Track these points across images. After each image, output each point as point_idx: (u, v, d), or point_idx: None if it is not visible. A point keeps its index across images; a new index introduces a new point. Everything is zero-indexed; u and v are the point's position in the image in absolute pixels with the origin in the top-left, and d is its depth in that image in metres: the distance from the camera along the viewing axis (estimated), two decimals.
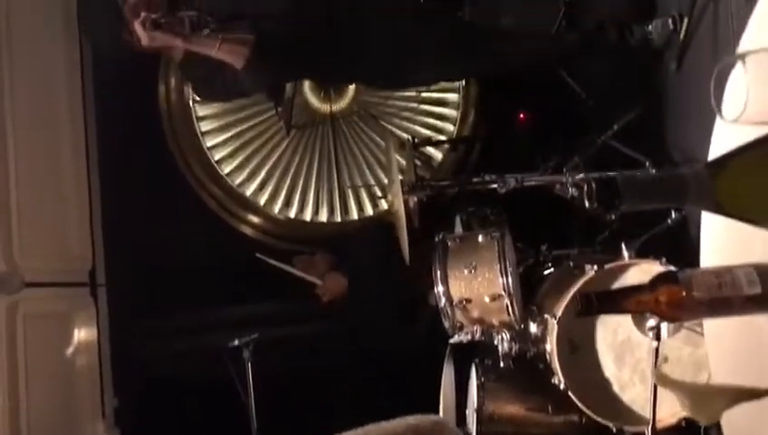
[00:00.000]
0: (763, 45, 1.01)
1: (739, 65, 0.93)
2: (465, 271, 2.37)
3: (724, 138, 1.16)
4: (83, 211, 3.22)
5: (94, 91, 3.34)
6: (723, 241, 1.29)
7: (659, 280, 1.16)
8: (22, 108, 2.90)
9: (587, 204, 0.98)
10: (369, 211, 3.80)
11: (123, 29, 2.42)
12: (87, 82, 3.30)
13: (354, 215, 3.81)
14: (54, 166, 3.14)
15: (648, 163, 2.65)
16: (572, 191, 2.44)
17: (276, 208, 3.79)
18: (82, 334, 3.11)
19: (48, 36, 3.14)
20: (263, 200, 3.79)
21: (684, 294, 1.13)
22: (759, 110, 0.93)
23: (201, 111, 3.75)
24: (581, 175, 2.46)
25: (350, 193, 3.80)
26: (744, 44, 1.10)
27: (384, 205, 3.65)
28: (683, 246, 2.41)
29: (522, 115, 3.45)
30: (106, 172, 3.35)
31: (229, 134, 3.79)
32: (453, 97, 3.77)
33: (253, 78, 2.56)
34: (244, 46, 2.48)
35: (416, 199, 2.64)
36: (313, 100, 3.82)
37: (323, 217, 3.82)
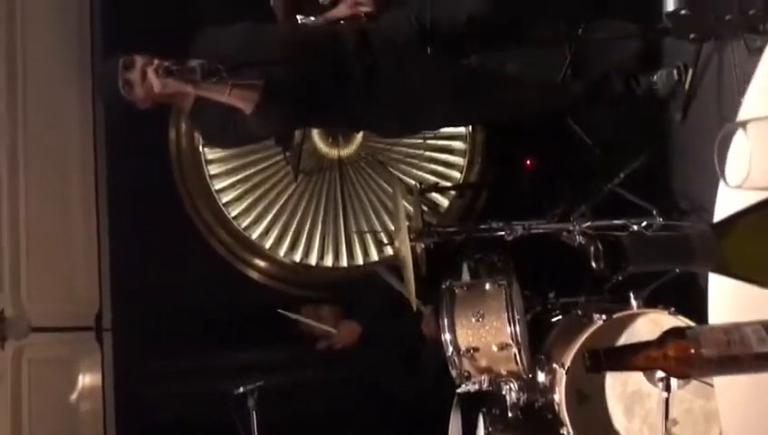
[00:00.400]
0: (763, 113, 1.02)
1: (740, 132, 0.94)
2: (473, 319, 2.35)
3: (730, 199, 1.17)
4: (92, 255, 3.23)
5: (105, 136, 3.38)
6: (730, 297, 1.28)
7: (668, 336, 1.15)
8: (34, 154, 2.93)
9: (593, 265, 0.98)
10: (375, 257, 3.80)
11: (124, 87, 2.47)
12: (98, 126, 3.34)
13: (360, 260, 3.82)
14: (64, 210, 3.16)
15: (654, 211, 2.65)
16: (579, 239, 2.44)
17: (282, 252, 3.80)
18: (87, 380, 3.09)
19: (61, 80, 3.20)
20: (268, 244, 3.80)
21: (692, 351, 1.11)
22: (763, 175, 0.94)
23: (210, 154, 3.79)
24: (588, 223, 2.47)
25: (355, 238, 3.81)
26: (746, 109, 1.11)
27: (389, 250, 3.65)
28: (691, 295, 2.38)
29: (528, 162, 3.46)
30: (115, 216, 3.37)
31: (237, 177, 3.82)
32: (459, 144, 3.80)
33: (261, 123, 2.58)
34: (253, 92, 2.51)
35: (423, 246, 2.63)
36: (322, 145, 3.85)
37: (329, 261, 3.83)
